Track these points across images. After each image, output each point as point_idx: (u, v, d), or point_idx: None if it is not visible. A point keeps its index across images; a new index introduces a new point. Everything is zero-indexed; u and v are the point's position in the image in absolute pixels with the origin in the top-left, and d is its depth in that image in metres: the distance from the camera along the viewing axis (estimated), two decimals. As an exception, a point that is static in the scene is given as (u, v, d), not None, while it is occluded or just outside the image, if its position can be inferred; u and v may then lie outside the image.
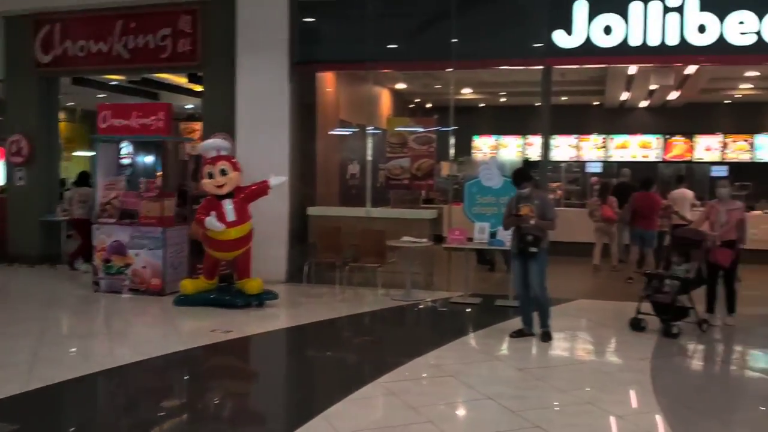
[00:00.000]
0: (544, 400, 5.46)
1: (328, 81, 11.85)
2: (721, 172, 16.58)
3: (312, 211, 10.55)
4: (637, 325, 7.53)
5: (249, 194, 8.53)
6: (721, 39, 9.29)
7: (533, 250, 6.93)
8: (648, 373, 6.13)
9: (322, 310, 8.56)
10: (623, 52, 9.53)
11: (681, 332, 7.30)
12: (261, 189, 8.57)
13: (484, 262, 11.62)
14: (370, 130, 11.14)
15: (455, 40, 9.78)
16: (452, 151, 11.35)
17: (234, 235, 8.33)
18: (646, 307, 7.55)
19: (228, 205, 8.32)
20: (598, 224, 11.66)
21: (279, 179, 8.62)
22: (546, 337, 7.12)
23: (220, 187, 8.38)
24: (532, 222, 6.92)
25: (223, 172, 8.37)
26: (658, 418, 5.07)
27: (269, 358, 7.20)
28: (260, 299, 8.57)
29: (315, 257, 9.84)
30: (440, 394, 5.59)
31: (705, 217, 8.10)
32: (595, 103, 17.78)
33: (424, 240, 9.42)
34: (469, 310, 8.83)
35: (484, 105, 18.65)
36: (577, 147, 17.74)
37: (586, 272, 11.57)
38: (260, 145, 10.03)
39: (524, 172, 7.29)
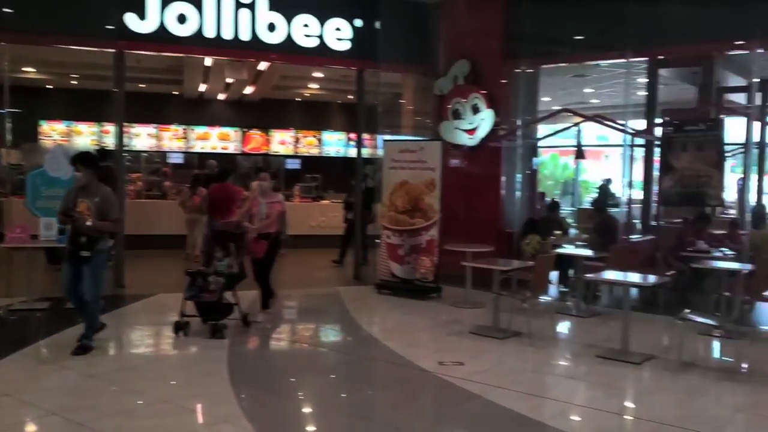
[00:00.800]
0: (118, 406, 5.08)
1: None
2: (295, 164, 17.97)
3: None
4: (180, 327, 7.01)
5: None
6: (289, 39, 9.96)
7: (85, 254, 6.12)
8: (225, 363, 6.18)
9: None
10: (198, 42, 9.53)
11: (227, 331, 7.04)
12: None
13: (55, 262, 10.49)
14: None
15: (7, 9, 8.54)
16: (10, 137, 9.95)
17: None
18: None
19: None
20: (189, 215, 11.71)
21: None
22: (81, 350, 6.23)
23: None
24: (89, 223, 6.13)
25: None
26: (234, 406, 5.12)
27: None
28: None
29: None
30: (-9, 419, 4.77)
31: (248, 210, 8.01)
32: (174, 93, 17.55)
33: (-25, 239, 8.04)
34: (38, 315, 7.83)
35: (52, 87, 16.90)
36: (158, 137, 17.31)
37: (169, 265, 11.34)
38: None
39: (84, 156, 6.39)
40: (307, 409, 5.48)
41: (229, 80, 14.59)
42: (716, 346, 7.29)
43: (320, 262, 11.86)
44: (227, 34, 9.59)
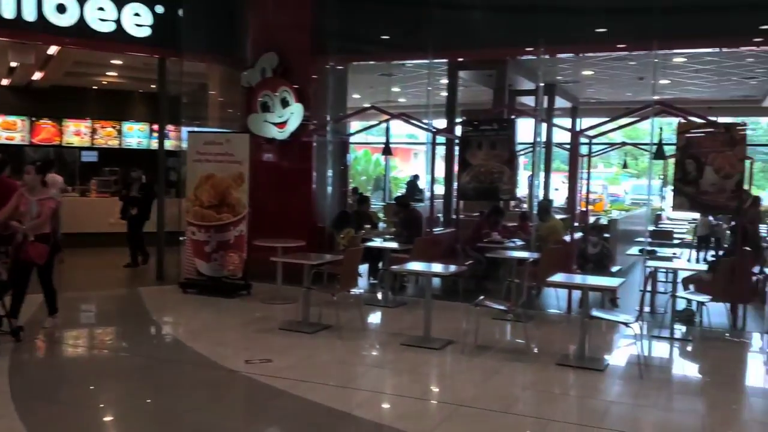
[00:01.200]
0: None
1: None
2: (91, 157, 16.73)
3: None
4: None
5: None
6: (82, 22, 9.22)
7: None
8: (5, 375, 5.58)
9: None
10: (-28, 20, 8.53)
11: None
12: None
13: None
14: None
15: None
16: None
17: None
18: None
19: None
20: None
21: None
22: None
23: None
24: None
25: None
26: (15, 421, 4.63)
27: None
28: None
29: None
30: None
31: (15, 207, 6.87)
32: (-53, 76, 15.60)
33: None
34: None
35: None
36: (-74, 125, 15.31)
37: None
38: None
39: None
40: (104, 418, 5.10)
41: (13, 64, 13.20)
42: (508, 329, 7.86)
43: (120, 261, 11.14)
44: (8, 13, 8.66)
